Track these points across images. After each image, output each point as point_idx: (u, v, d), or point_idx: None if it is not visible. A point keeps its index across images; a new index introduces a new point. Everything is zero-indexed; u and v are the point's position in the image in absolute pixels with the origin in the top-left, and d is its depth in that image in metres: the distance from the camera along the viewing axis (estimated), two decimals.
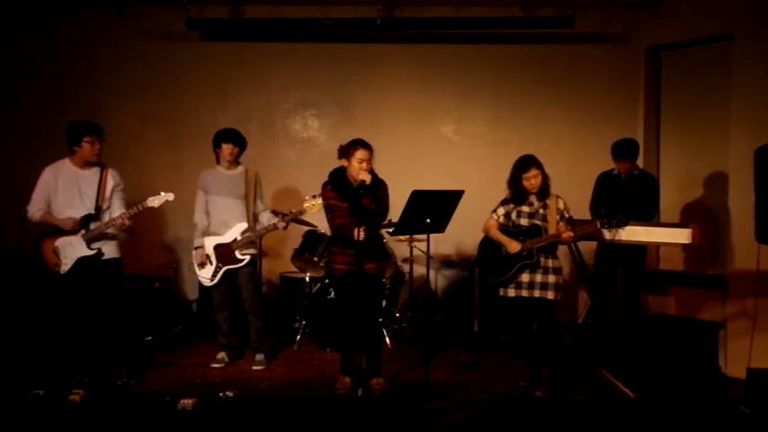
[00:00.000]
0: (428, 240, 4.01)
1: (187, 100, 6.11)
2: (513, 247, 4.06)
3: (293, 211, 4.49)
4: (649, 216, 4.76)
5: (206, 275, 4.62)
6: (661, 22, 5.68)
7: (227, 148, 4.60)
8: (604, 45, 5.96)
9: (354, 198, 3.90)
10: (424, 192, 3.72)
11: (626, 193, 4.78)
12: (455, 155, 6.08)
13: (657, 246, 5.42)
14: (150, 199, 4.21)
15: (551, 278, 4.06)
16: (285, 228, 4.54)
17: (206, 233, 4.63)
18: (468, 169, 5.89)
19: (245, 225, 4.59)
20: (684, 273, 5.52)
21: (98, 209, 4.22)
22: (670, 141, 5.82)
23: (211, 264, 4.59)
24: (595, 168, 5.09)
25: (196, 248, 4.63)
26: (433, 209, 3.81)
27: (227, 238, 4.57)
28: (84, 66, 6.05)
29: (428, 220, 3.79)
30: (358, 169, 3.94)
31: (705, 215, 5.32)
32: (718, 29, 5.17)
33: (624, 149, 4.77)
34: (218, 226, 4.61)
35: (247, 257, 4.58)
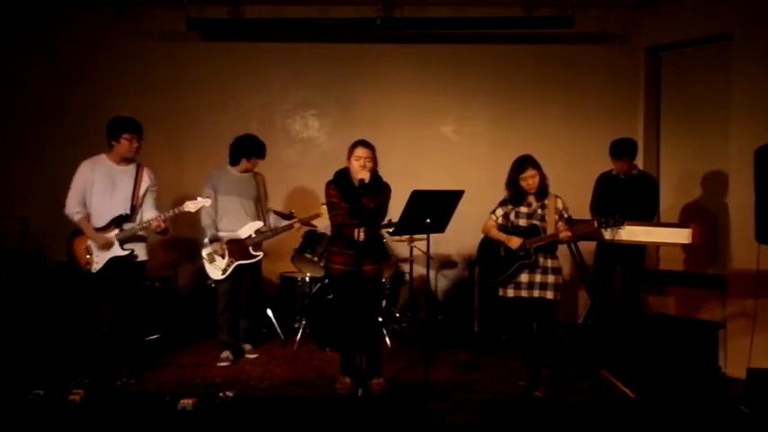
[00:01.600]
0: (428, 240, 4.01)
1: (187, 100, 6.11)
2: (515, 242, 4.06)
3: (310, 215, 4.71)
4: (649, 216, 4.76)
5: (219, 267, 4.68)
6: (661, 22, 5.67)
7: (252, 163, 4.77)
8: (604, 45, 5.96)
9: (354, 198, 3.90)
10: (424, 192, 3.72)
11: (626, 194, 4.78)
12: (455, 155, 6.08)
13: (657, 246, 5.42)
14: (187, 203, 4.24)
15: (550, 278, 4.06)
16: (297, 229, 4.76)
17: (217, 229, 4.71)
18: (468, 169, 5.89)
19: (260, 224, 4.74)
20: (684, 273, 5.52)
21: (132, 208, 4.24)
22: (670, 141, 5.82)
23: (223, 258, 4.65)
24: (595, 168, 5.09)
25: (212, 241, 4.68)
26: (433, 209, 3.81)
27: (241, 234, 4.69)
28: (84, 66, 6.05)
29: (428, 220, 3.79)
30: (357, 167, 3.95)
31: (705, 215, 5.32)
32: (718, 29, 5.17)
33: (622, 148, 4.77)
34: (228, 224, 4.70)
35: (260, 255, 4.73)
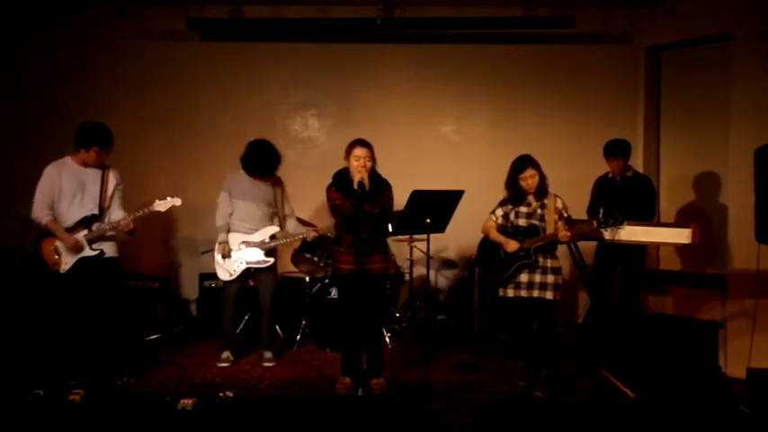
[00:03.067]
0: (428, 240, 4.01)
1: (187, 100, 6.11)
2: (511, 246, 4.06)
3: (323, 228, 4.64)
4: (647, 217, 4.75)
5: (227, 268, 4.69)
6: (661, 22, 5.67)
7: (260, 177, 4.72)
8: (604, 45, 5.96)
9: (356, 198, 3.90)
10: (424, 192, 3.72)
11: (622, 196, 4.79)
12: (455, 155, 6.08)
13: (657, 246, 5.41)
14: (157, 203, 4.22)
15: (550, 278, 4.06)
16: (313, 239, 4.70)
17: (229, 231, 4.72)
18: (468, 169, 5.89)
19: (276, 229, 4.72)
20: (684, 273, 5.52)
21: (101, 209, 4.23)
22: (670, 141, 5.82)
23: (231, 259, 4.68)
24: (595, 168, 5.09)
25: (220, 243, 4.70)
26: (433, 209, 3.81)
27: (255, 237, 4.67)
28: (84, 66, 6.05)
29: (428, 220, 3.80)
30: (356, 167, 3.94)
31: (705, 215, 5.32)
32: (718, 29, 5.17)
33: (617, 147, 4.79)
34: (241, 227, 4.70)
35: (271, 260, 4.69)
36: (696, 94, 5.57)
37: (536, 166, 4.07)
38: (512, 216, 4.17)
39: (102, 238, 4.22)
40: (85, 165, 4.23)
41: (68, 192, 4.18)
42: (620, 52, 5.93)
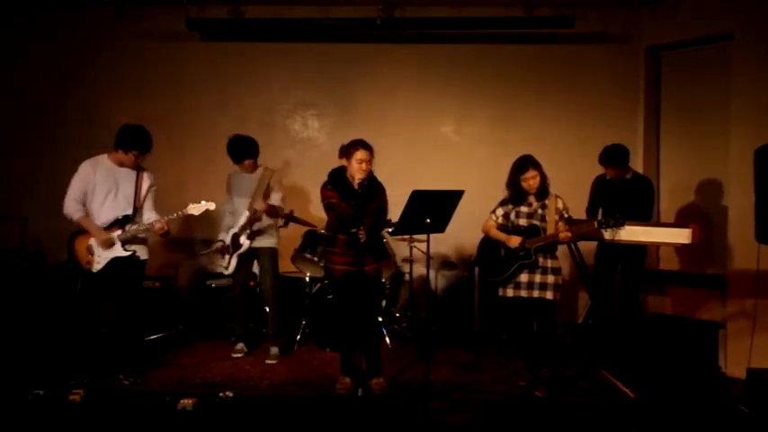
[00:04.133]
0: (428, 240, 4.01)
1: (187, 100, 6.11)
2: (514, 241, 4.05)
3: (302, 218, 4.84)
4: (645, 218, 4.75)
5: (223, 264, 4.89)
6: (661, 22, 5.67)
7: (248, 164, 4.80)
8: (604, 45, 5.96)
9: (355, 198, 3.90)
10: (424, 192, 3.72)
11: (621, 197, 4.79)
12: (455, 155, 6.08)
13: (657, 246, 5.41)
14: (191, 206, 4.23)
15: (550, 278, 4.06)
16: (285, 225, 4.87)
17: (229, 230, 4.85)
18: (468, 169, 5.89)
19: (247, 214, 4.78)
20: (684, 273, 5.52)
21: (135, 210, 4.23)
22: (670, 141, 5.82)
23: (229, 254, 4.83)
24: (595, 169, 5.08)
25: (218, 241, 4.89)
26: (433, 209, 3.81)
27: (236, 227, 4.81)
28: (84, 66, 6.05)
29: (428, 220, 3.80)
30: (357, 170, 3.94)
31: (705, 215, 5.33)
32: (718, 29, 5.17)
33: (609, 156, 4.77)
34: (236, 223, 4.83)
35: (247, 243, 4.77)
36: (696, 94, 5.57)
37: (537, 166, 4.07)
38: (512, 216, 4.17)
39: (135, 239, 4.23)
40: (121, 164, 4.23)
41: (102, 190, 4.17)
42: (620, 52, 5.93)
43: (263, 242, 4.83)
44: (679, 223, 5.06)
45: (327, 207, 4.04)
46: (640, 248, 4.82)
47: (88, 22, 6.02)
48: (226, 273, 4.90)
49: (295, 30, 6.05)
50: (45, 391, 3.83)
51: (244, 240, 4.77)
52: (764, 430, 3.62)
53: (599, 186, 5.03)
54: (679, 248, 5.33)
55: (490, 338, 5.45)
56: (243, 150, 4.76)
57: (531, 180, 4.05)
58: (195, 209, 4.23)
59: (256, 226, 4.78)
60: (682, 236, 4.41)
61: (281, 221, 5.01)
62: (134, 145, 4.13)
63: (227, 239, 4.84)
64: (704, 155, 5.45)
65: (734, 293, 4.88)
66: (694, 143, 5.58)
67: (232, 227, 4.83)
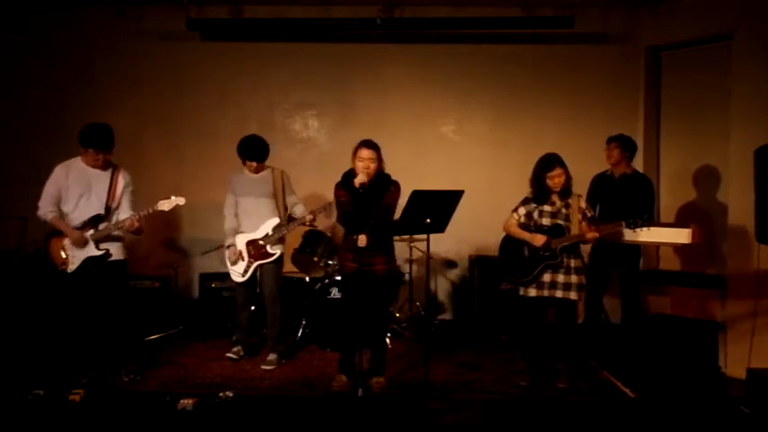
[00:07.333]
0: (428, 240, 4.01)
1: (187, 100, 6.10)
2: (539, 240, 4.04)
3: (321, 206, 4.58)
4: None
5: (239, 271, 4.73)
6: (660, 22, 5.67)
7: (250, 165, 4.71)
8: (604, 45, 5.96)
9: (356, 198, 3.91)
10: (424, 192, 3.72)
11: (620, 194, 4.78)
12: (455, 155, 6.08)
13: (657, 246, 5.41)
14: (161, 202, 4.22)
15: (574, 278, 4.05)
16: (313, 221, 4.61)
17: (236, 232, 4.74)
18: (468, 169, 5.89)
19: (277, 220, 4.70)
20: (684, 273, 5.52)
21: (107, 209, 4.23)
22: (670, 141, 5.82)
23: (243, 260, 4.69)
24: (595, 168, 5.09)
25: (228, 247, 4.73)
26: (433, 209, 3.81)
27: (258, 234, 4.68)
28: (84, 66, 6.05)
29: (428, 220, 3.80)
30: (360, 168, 3.95)
31: (705, 215, 5.32)
32: (718, 29, 5.17)
33: (615, 136, 4.80)
34: (247, 225, 4.72)
35: (278, 252, 4.68)
36: (696, 94, 5.56)
37: (563, 165, 4.05)
38: (535, 215, 4.15)
39: (108, 238, 4.22)
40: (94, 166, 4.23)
41: (75, 192, 4.18)
42: (620, 52, 5.94)
43: (274, 248, 4.72)
44: (679, 223, 5.06)
45: (338, 205, 4.09)
46: (636, 249, 4.81)
47: (88, 22, 6.01)
48: (240, 280, 4.74)
49: (295, 30, 6.05)
50: (45, 391, 3.84)
51: (274, 249, 4.65)
52: (764, 430, 3.62)
53: (598, 184, 5.02)
54: (679, 248, 5.33)
55: (490, 338, 5.44)
56: (256, 152, 4.66)
57: (556, 178, 4.03)
58: (165, 204, 4.22)
59: (283, 231, 4.69)
60: (682, 236, 4.41)
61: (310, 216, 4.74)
62: (90, 142, 4.11)
63: (240, 244, 4.71)
64: (704, 155, 5.44)
65: (734, 294, 4.87)
66: (694, 143, 5.57)
67: (238, 229, 4.74)
